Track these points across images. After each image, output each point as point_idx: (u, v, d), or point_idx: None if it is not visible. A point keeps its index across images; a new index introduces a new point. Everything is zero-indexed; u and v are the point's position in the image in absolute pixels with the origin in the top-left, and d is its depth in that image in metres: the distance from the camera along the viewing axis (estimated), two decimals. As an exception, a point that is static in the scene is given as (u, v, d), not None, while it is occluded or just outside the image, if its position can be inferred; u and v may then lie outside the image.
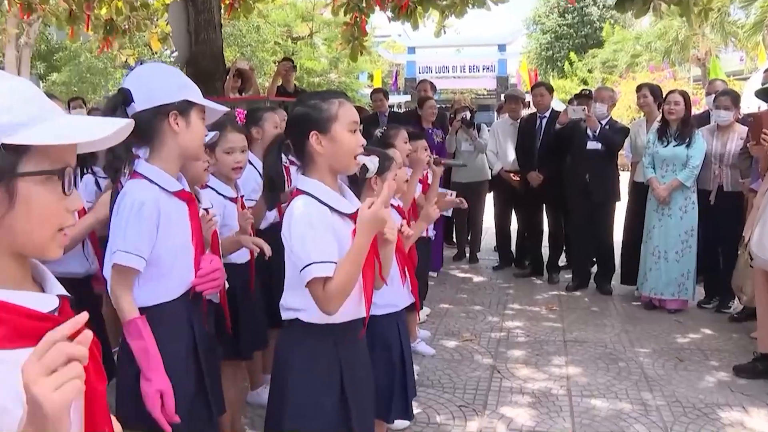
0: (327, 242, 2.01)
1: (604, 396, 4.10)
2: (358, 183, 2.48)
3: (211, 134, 2.83)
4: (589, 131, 6.27)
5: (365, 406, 2.25)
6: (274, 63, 22.81)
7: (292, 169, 2.25)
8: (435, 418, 3.81)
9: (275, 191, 2.22)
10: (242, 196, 3.36)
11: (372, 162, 2.18)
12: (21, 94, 1.03)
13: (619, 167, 6.74)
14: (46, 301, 1.08)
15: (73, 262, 3.09)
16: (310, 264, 1.97)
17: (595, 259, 6.84)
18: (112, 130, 1.09)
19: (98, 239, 3.16)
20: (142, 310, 2.16)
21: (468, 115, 7.32)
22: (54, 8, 8.21)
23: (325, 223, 2.03)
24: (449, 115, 7.65)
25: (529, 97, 8.26)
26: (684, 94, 5.79)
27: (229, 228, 3.06)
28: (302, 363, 2.13)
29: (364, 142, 2.15)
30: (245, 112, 3.63)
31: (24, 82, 1.07)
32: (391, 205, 3.26)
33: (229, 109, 2.49)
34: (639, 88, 6.62)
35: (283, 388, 2.15)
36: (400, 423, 3.44)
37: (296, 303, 2.10)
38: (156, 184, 2.17)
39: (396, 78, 28.89)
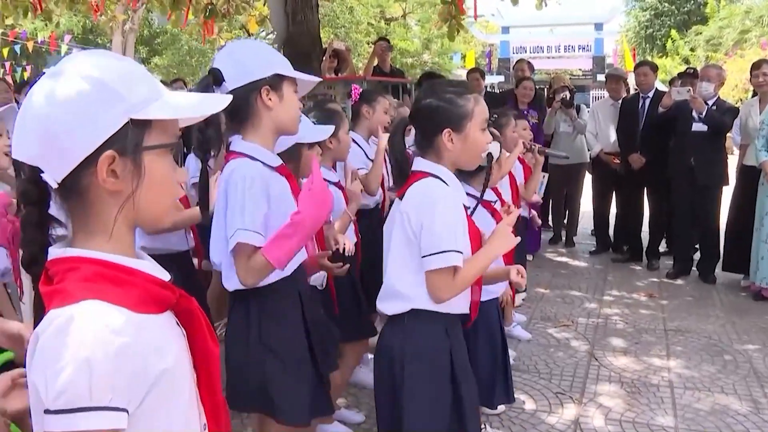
0: (459, 230, 2.01)
1: (709, 390, 3.92)
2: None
3: (329, 128, 2.83)
4: (694, 113, 5.98)
5: (472, 395, 2.22)
6: (368, 44, 22.95)
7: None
8: (530, 405, 3.74)
9: (403, 174, 2.16)
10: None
11: (495, 148, 2.15)
12: (137, 72, 1.08)
13: (726, 150, 6.39)
14: (162, 272, 1.12)
15: (174, 238, 3.27)
16: (441, 252, 1.97)
17: (697, 246, 6.55)
18: (223, 104, 1.15)
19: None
20: (256, 291, 2.15)
21: (567, 95, 7.12)
22: (158, -6, 8.49)
23: (456, 210, 2.02)
24: (547, 95, 7.45)
25: (630, 77, 7.97)
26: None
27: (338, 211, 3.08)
28: (416, 352, 2.09)
29: (490, 138, 2.11)
30: (360, 89, 3.72)
31: (133, 62, 1.12)
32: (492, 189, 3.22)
33: (321, 79, 2.47)
34: (757, 65, 6.10)
35: (398, 380, 2.11)
36: (486, 409, 3.41)
37: (408, 288, 2.07)
38: (258, 160, 2.14)
39: (490, 58, 28.45)
